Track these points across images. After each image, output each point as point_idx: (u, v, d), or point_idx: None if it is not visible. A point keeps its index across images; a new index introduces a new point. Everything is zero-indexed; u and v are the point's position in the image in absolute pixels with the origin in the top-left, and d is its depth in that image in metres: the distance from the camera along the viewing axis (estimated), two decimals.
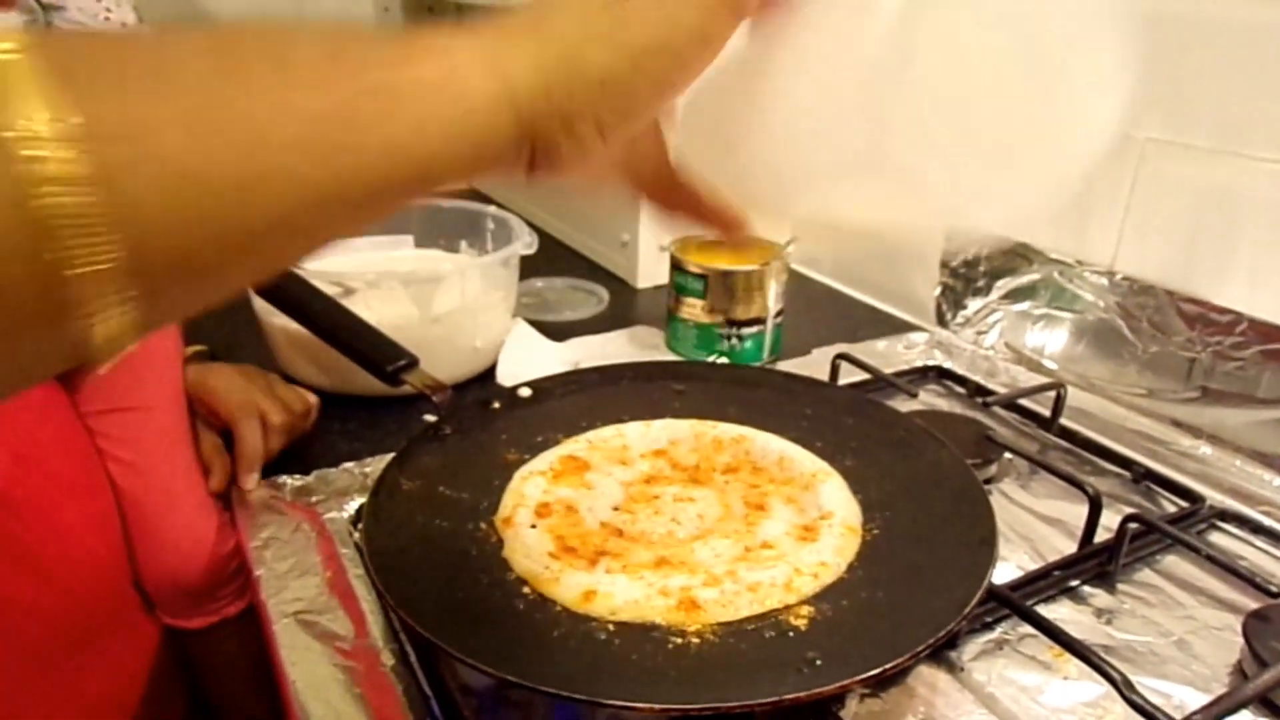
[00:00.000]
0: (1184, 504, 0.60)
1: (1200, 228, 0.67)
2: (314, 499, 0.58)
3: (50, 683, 0.54)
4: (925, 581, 0.41)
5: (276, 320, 0.69)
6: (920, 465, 0.51)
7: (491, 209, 0.86)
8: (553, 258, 1.05)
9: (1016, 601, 0.46)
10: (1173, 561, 0.55)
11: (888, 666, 0.35)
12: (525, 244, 0.75)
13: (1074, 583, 0.52)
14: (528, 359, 0.77)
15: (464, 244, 0.87)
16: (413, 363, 0.60)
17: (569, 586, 0.41)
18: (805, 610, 0.40)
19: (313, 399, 0.66)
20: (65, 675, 0.55)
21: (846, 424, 0.56)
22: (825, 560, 0.43)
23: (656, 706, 0.34)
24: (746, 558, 0.44)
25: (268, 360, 0.75)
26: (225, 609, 0.67)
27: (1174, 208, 0.69)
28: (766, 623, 0.39)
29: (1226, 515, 0.59)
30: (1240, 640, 0.46)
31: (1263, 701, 0.43)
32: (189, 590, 0.63)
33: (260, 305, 0.70)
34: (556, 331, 0.83)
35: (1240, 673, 0.45)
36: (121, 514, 0.60)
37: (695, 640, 0.38)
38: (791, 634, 0.39)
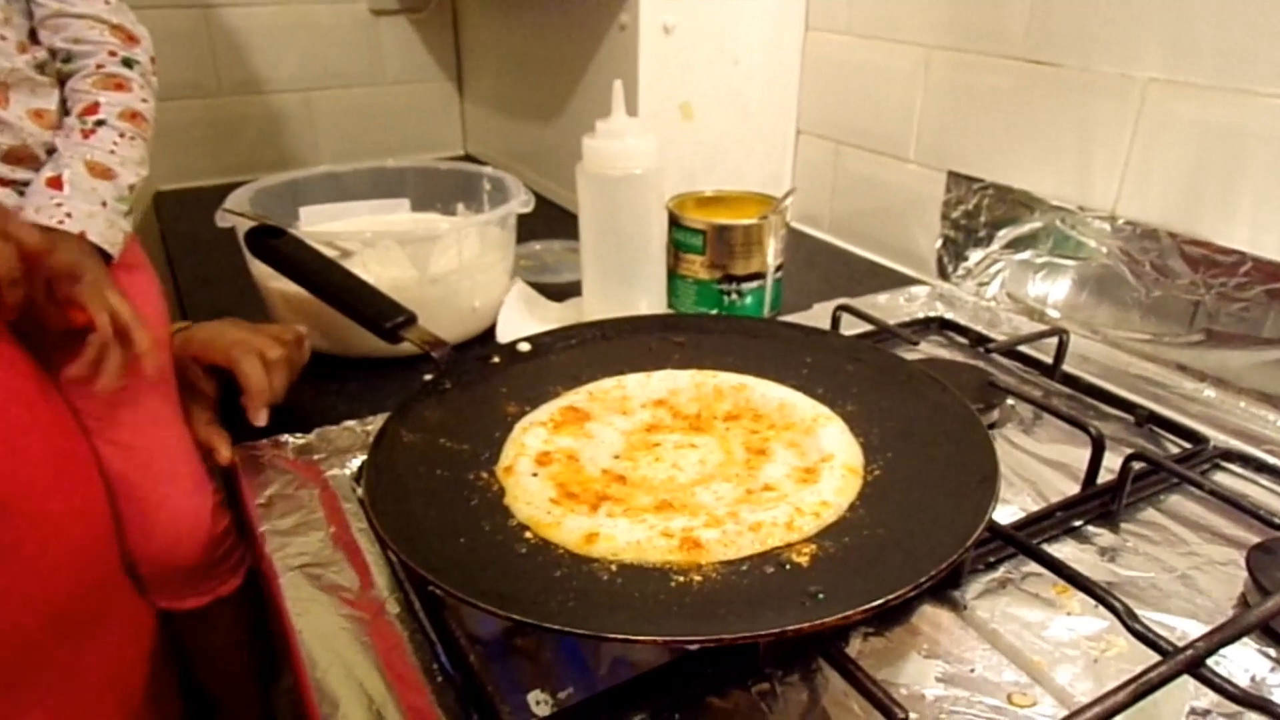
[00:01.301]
0: (1188, 445, 0.60)
1: (1204, 168, 0.67)
2: (316, 457, 0.58)
3: (50, 672, 0.53)
4: (927, 518, 0.41)
5: (274, 284, 0.69)
6: (922, 408, 0.51)
7: (488, 169, 0.85)
8: (550, 220, 1.04)
9: (1020, 538, 0.46)
10: (1176, 501, 0.55)
11: (890, 597, 0.35)
12: (522, 202, 0.75)
13: (1077, 523, 0.52)
14: (527, 319, 0.76)
15: (460, 206, 0.87)
16: (411, 319, 0.59)
17: (571, 530, 0.41)
18: (807, 548, 0.40)
19: (300, 328, 0.66)
20: (64, 664, 0.54)
21: (847, 370, 0.56)
22: (826, 500, 0.43)
23: (660, 639, 0.34)
24: (748, 499, 0.44)
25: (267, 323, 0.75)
26: (219, 588, 0.66)
27: (1177, 148, 0.68)
28: (768, 560, 0.39)
29: (1230, 455, 0.59)
30: (1244, 574, 0.46)
31: (1266, 631, 0.43)
32: (185, 570, 0.63)
33: (258, 270, 0.70)
34: (556, 293, 0.83)
35: (1244, 604, 0.46)
36: (112, 499, 0.59)
37: (698, 578, 0.38)
38: (794, 570, 0.39)
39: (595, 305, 0.74)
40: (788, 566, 0.39)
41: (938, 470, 0.45)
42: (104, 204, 0.59)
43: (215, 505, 0.64)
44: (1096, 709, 0.34)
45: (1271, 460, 0.57)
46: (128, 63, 0.67)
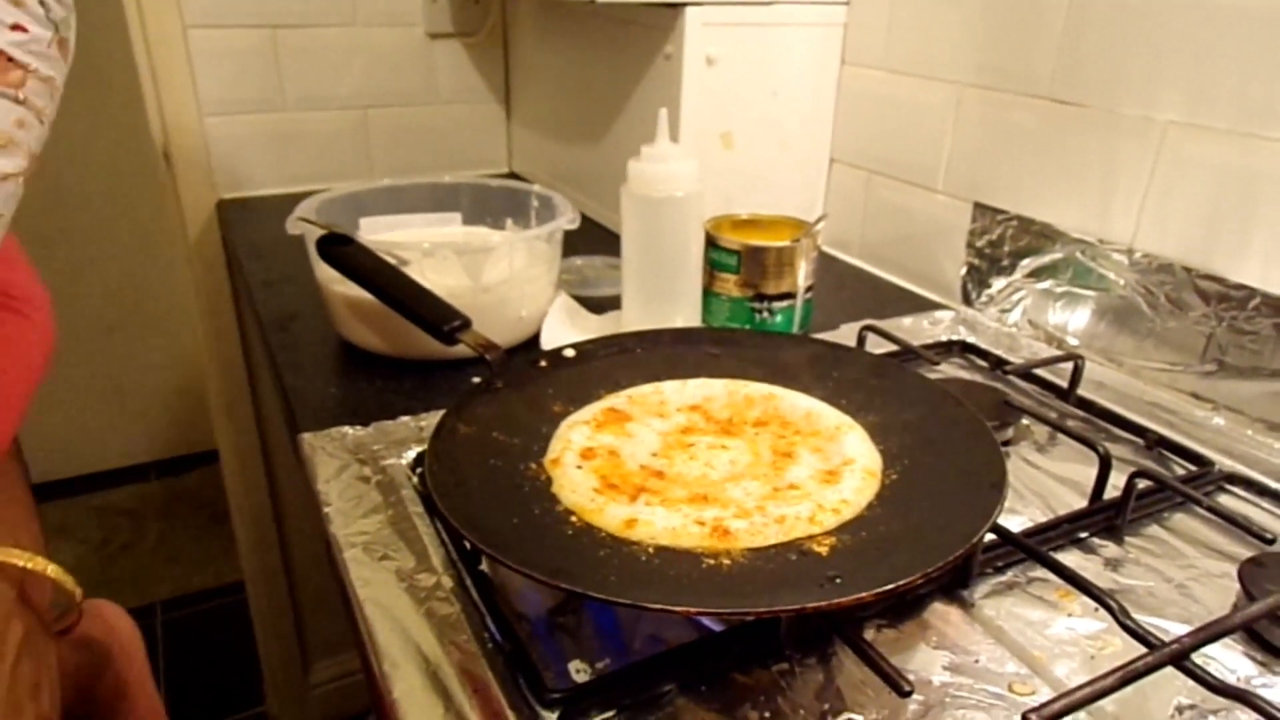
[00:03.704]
0: (1194, 468, 0.63)
1: (1218, 207, 0.70)
2: (375, 447, 0.63)
3: None
4: (939, 518, 0.45)
5: (338, 288, 0.75)
6: (939, 421, 0.55)
7: (536, 188, 0.91)
8: (591, 237, 1.09)
9: (1027, 543, 0.50)
10: (1180, 519, 0.58)
11: (901, 583, 0.39)
12: (569, 219, 0.80)
13: (1083, 534, 0.56)
14: (569, 329, 0.81)
15: (509, 222, 0.92)
16: (467, 323, 0.64)
17: (612, 516, 0.46)
18: (827, 540, 0.44)
19: None
20: None
21: (871, 384, 0.60)
22: (846, 498, 0.47)
23: (693, 609, 0.38)
24: (774, 496, 0.48)
25: (327, 326, 0.80)
26: None
27: (1193, 187, 0.71)
28: (791, 549, 0.44)
29: (1234, 478, 0.62)
30: (1237, 585, 0.49)
31: (1254, 637, 0.46)
32: None
33: (323, 274, 0.75)
34: (595, 306, 0.88)
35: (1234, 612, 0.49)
36: None
37: (727, 562, 0.42)
38: (814, 559, 0.43)
39: (634, 317, 0.78)
40: (809, 555, 0.43)
41: (950, 476, 0.49)
42: None
43: None
44: (1087, 690, 0.37)
45: (1273, 485, 0.60)
46: None
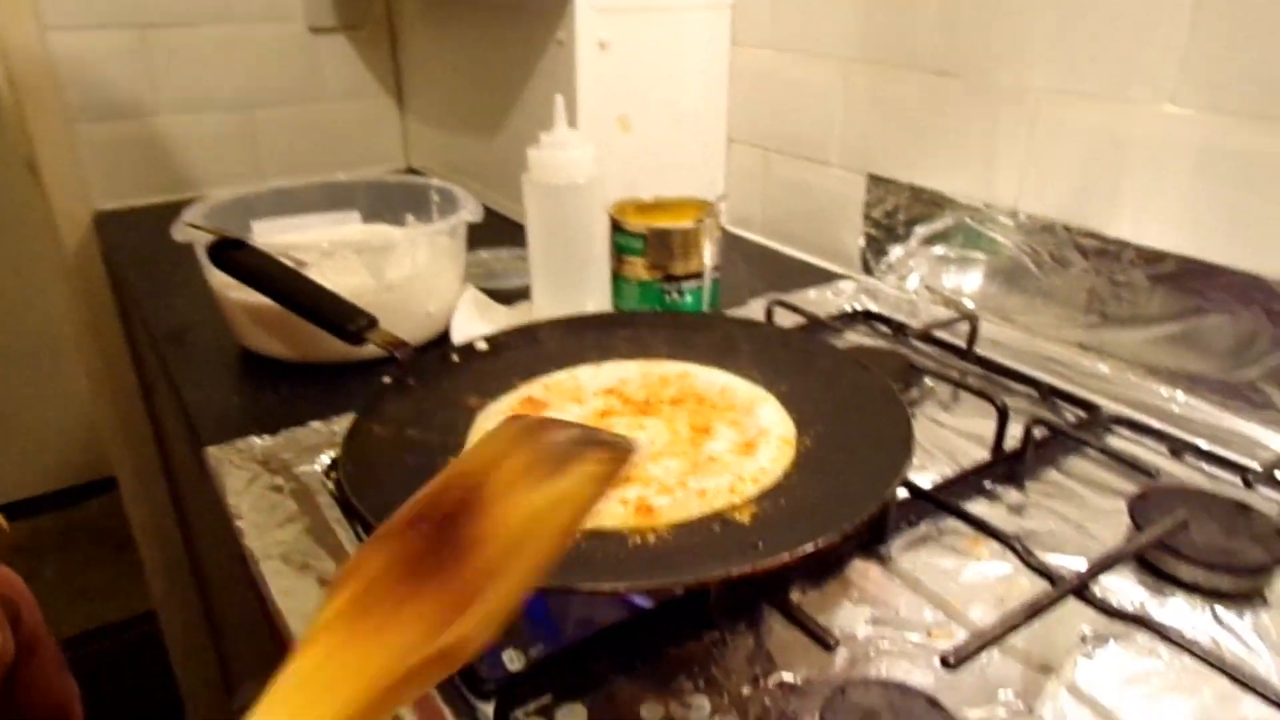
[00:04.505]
0: (1084, 414, 0.67)
1: (1091, 167, 0.74)
2: (285, 456, 0.61)
3: None
4: (852, 479, 0.47)
5: (234, 294, 0.72)
6: (846, 387, 0.57)
7: (435, 182, 0.89)
8: (495, 229, 1.08)
9: (936, 496, 0.52)
10: (1074, 462, 0.62)
11: (820, 542, 0.40)
12: (471, 212, 0.79)
13: (987, 484, 0.58)
14: (479, 322, 0.80)
15: (410, 217, 0.90)
16: (373, 322, 0.63)
17: None
18: (749, 509, 0.45)
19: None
20: None
21: (780, 356, 0.61)
22: (764, 467, 0.48)
23: (621, 586, 0.38)
24: (695, 471, 0.49)
25: (225, 335, 0.77)
26: None
27: (1067, 150, 0.75)
28: (714, 521, 0.44)
29: (1120, 420, 0.66)
30: (1128, 519, 0.53)
31: (1144, 564, 0.50)
32: None
33: (217, 280, 0.72)
34: (505, 298, 0.87)
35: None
36: None
37: (652, 538, 0.43)
38: (737, 528, 0.44)
39: (544, 306, 0.78)
40: (731, 524, 0.44)
41: (861, 439, 0.51)
42: None
43: None
44: (999, 628, 0.39)
45: (1154, 424, 0.65)
46: None
